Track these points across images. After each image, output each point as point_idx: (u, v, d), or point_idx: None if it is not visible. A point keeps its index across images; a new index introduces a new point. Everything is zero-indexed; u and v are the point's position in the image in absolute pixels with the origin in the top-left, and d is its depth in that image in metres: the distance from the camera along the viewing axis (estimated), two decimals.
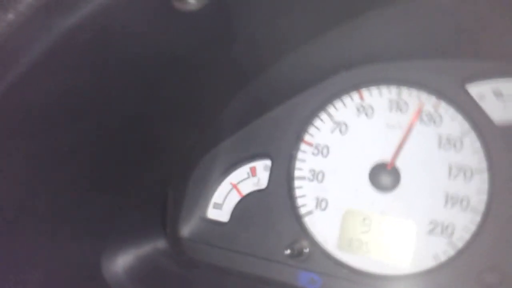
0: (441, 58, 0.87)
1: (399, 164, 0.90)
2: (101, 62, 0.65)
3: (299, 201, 0.97)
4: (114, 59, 0.66)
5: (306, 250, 0.93)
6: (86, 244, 0.86)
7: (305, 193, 0.97)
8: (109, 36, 0.61)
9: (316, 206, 0.96)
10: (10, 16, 0.53)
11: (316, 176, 0.97)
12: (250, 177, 1.04)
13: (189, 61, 0.78)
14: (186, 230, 1.05)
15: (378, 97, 0.93)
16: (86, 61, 0.63)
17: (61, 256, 0.82)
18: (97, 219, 0.86)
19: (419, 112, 0.89)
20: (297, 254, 0.92)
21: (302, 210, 0.96)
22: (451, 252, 0.83)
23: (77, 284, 0.84)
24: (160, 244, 1.01)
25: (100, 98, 0.70)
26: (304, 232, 0.95)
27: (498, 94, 0.84)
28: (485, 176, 0.83)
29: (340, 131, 0.96)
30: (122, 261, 0.92)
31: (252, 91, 0.98)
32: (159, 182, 1.01)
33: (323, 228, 0.94)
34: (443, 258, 0.84)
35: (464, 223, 0.83)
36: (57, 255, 0.81)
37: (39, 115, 0.65)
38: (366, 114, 0.94)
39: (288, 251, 0.91)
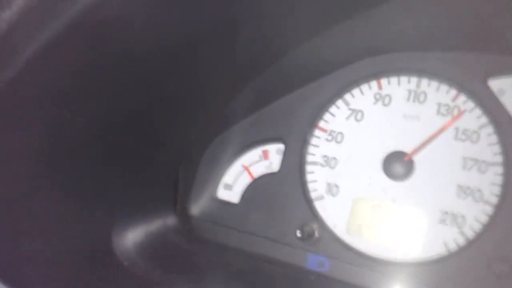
0: (464, 51, 0.87)
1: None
2: (111, 47, 0.64)
3: (311, 186, 0.97)
4: (124, 44, 0.65)
5: (316, 234, 0.93)
6: (97, 219, 0.86)
7: (316, 178, 0.97)
8: (112, 26, 0.60)
9: (327, 192, 0.96)
10: (13, 7, 0.53)
11: (329, 162, 0.97)
12: (262, 160, 1.03)
13: (202, 45, 0.77)
14: (196, 208, 1.05)
15: (396, 86, 0.93)
16: (94, 46, 0.62)
17: (73, 229, 0.81)
18: (109, 194, 0.86)
19: (457, 117, 0.88)
20: (307, 237, 0.93)
21: (313, 195, 0.97)
22: (462, 241, 0.84)
23: (88, 258, 0.83)
24: (170, 221, 1.01)
25: (112, 80, 0.70)
26: (314, 216, 0.95)
27: None
28: (499, 169, 0.83)
29: (356, 118, 0.96)
30: (132, 236, 0.91)
31: (269, 76, 0.97)
32: (171, 161, 1.00)
33: (333, 213, 0.94)
34: (453, 247, 0.85)
35: (476, 214, 0.84)
36: (68, 227, 0.80)
37: (56, 94, 0.65)
38: (383, 103, 0.94)
39: (299, 233, 0.92)
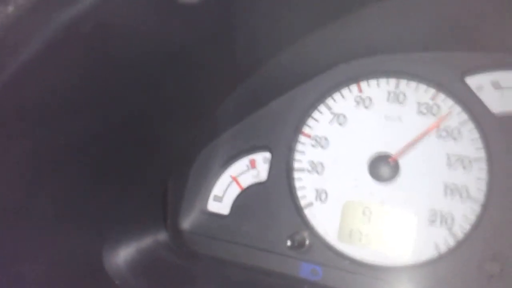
0: (440, 50, 0.87)
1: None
2: (101, 56, 0.64)
3: (299, 193, 0.97)
4: (114, 53, 0.65)
5: (307, 242, 0.93)
6: (88, 237, 0.85)
7: (304, 184, 0.97)
8: (110, 30, 0.60)
9: (316, 198, 0.95)
10: (10, 8, 0.52)
11: (316, 167, 0.96)
12: (250, 169, 1.03)
13: (188, 55, 0.77)
14: (186, 222, 1.04)
15: (376, 89, 0.93)
16: (86, 54, 0.62)
17: (63, 248, 0.81)
18: (98, 212, 0.86)
19: (439, 122, 0.88)
20: (298, 246, 0.92)
21: (302, 202, 0.96)
22: (452, 242, 0.83)
23: (78, 276, 0.83)
24: (161, 236, 1.00)
25: (99, 92, 0.69)
26: (304, 223, 0.94)
27: (496, 86, 0.84)
28: (483, 165, 0.83)
29: (339, 122, 0.96)
30: (123, 253, 0.91)
31: (251, 84, 0.97)
32: (160, 175, 1.00)
33: (323, 219, 0.94)
34: (443, 248, 0.84)
35: (464, 213, 0.83)
36: (58, 247, 0.80)
37: (39, 108, 0.64)
38: (365, 106, 0.94)
39: (289, 243, 0.91)
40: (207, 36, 0.76)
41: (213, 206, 1.05)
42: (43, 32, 0.55)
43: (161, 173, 1.00)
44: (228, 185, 1.04)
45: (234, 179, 1.04)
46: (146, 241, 0.97)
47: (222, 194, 1.05)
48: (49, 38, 0.55)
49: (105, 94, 0.71)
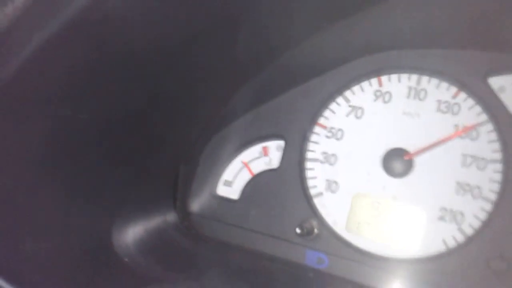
0: (464, 48, 0.87)
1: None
2: (112, 44, 0.64)
3: (310, 182, 0.97)
4: (126, 40, 0.65)
5: (316, 230, 0.93)
6: (98, 215, 0.85)
7: (316, 175, 0.97)
8: (118, 19, 0.60)
9: (327, 188, 0.95)
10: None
11: (329, 158, 0.96)
12: (262, 156, 1.03)
13: (204, 42, 0.77)
14: (195, 205, 1.04)
15: (397, 83, 0.93)
16: (95, 43, 0.62)
17: (73, 225, 0.81)
18: (109, 191, 0.85)
19: (465, 130, 0.87)
20: (306, 234, 0.92)
21: (313, 191, 0.96)
22: (460, 238, 0.84)
23: (88, 254, 0.83)
24: (170, 217, 1.00)
25: (116, 78, 0.70)
26: (313, 212, 0.95)
27: None
28: (498, 166, 0.83)
29: (356, 115, 0.95)
30: (132, 233, 0.91)
31: (269, 73, 0.97)
32: (171, 158, 1.00)
33: (332, 209, 0.94)
34: (451, 244, 0.85)
35: (475, 211, 0.84)
36: (69, 224, 0.80)
37: (60, 90, 0.64)
38: (384, 100, 0.93)
39: (298, 230, 0.91)
40: (222, 24, 0.75)
41: (223, 190, 1.05)
42: (45, 27, 0.55)
43: (173, 155, 1.00)
44: (239, 171, 1.04)
45: (246, 165, 1.04)
46: (155, 221, 0.97)
47: (233, 179, 1.04)
48: (51, 33, 0.56)
49: (118, 80, 0.71)
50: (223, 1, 0.71)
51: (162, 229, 0.98)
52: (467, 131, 0.86)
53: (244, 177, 1.03)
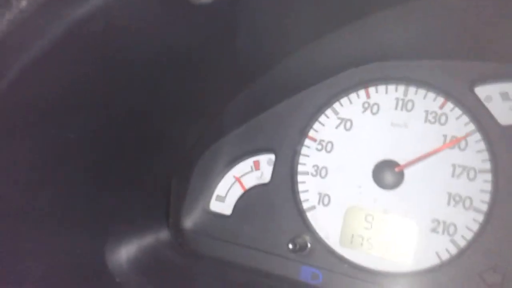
0: (450, 59, 0.86)
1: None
2: (108, 56, 0.63)
3: (302, 196, 0.96)
4: (120, 53, 0.65)
5: (309, 245, 0.92)
6: (90, 235, 0.85)
7: (308, 188, 0.96)
8: (120, 28, 0.59)
9: (319, 202, 0.95)
10: (23, 3, 0.51)
11: (320, 171, 0.96)
12: (254, 170, 1.02)
13: (195, 56, 0.77)
14: (188, 222, 1.04)
15: (384, 95, 0.92)
16: (95, 52, 0.61)
17: (65, 246, 0.80)
18: (101, 210, 0.85)
19: (454, 143, 0.86)
20: (299, 249, 0.91)
21: (305, 205, 0.95)
22: (453, 251, 0.83)
23: (81, 274, 0.83)
24: (163, 235, 1.00)
25: (106, 90, 0.69)
26: (306, 227, 0.94)
27: (505, 97, 0.83)
28: (488, 176, 0.82)
29: (345, 127, 0.95)
30: (125, 252, 0.91)
31: (258, 86, 0.96)
32: (163, 174, 0.99)
33: (325, 223, 0.93)
34: (444, 257, 0.83)
35: (467, 223, 0.83)
36: (60, 245, 0.80)
37: (45, 106, 0.63)
38: (372, 112, 0.93)
39: (290, 246, 0.90)
40: (214, 38, 0.75)
41: (215, 206, 1.04)
42: (52, 30, 0.54)
43: (164, 172, 0.99)
44: (231, 186, 1.04)
45: (238, 179, 1.03)
46: (148, 240, 0.96)
47: (225, 194, 1.04)
48: (59, 36, 0.55)
49: (111, 93, 0.70)
50: (217, 17, 0.71)
51: (155, 247, 0.97)
52: (456, 143, 0.85)
53: (236, 192, 1.03)
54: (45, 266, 0.77)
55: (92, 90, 0.67)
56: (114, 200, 0.87)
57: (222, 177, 1.05)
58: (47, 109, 0.64)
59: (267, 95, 1.01)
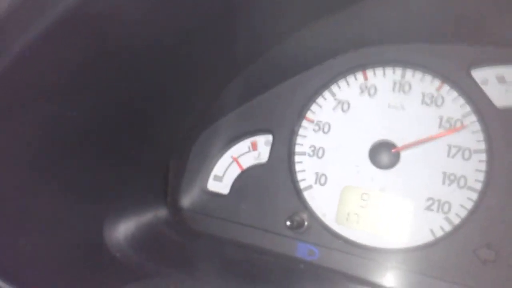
0: (447, 42, 0.86)
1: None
2: (105, 39, 0.62)
3: (299, 176, 0.95)
4: (119, 36, 0.63)
5: (306, 223, 0.91)
6: (89, 211, 0.83)
7: (304, 168, 0.95)
8: (108, 17, 0.59)
9: (316, 181, 0.94)
10: None
11: (317, 152, 0.95)
12: (251, 151, 1.01)
13: (193, 38, 0.75)
14: (186, 200, 1.02)
15: (381, 77, 0.92)
16: (97, 33, 0.60)
17: (65, 221, 0.79)
18: (101, 187, 0.83)
19: (453, 131, 0.86)
20: (297, 226, 0.91)
21: (302, 185, 0.95)
22: (447, 228, 0.83)
23: (79, 249, 0.81)
24: (161, 213, 0.98)
25: (104, 74, 0.68)
26: (303, 205, 0.93)
27: (501, 80, 0.83)
28: (483, 156, 0.83)
29: (342, 109, 0.94)
30: (123, 228, 0.89)
31: (257, 68, 0.95)
32: (162, 154, 0.98)
33: (322, 202, 0.93)
34: (439, 234, 0.84)
35: (461, 201, 0.83)
36: (60, 221, 0.78)
37: (47, 87, 0.63)
38: (369, 94, 0.92)
39: (288, 223, 0.90)
40: (212, 20, 0.74)
41: (213, 185, 1.03)
42: (35, 24, 0.54)
43: (163, 152, 0.98)
44: (229, 166, 1.02)
45: (235, 159, 1.02)
46: (146, 217, 0.95)
47: (223, 174, 1.03)
48: (41, 30, 0.54)
49: (110, 76, 0.69)
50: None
51: (153, 224, 0.95)
52: (455, 131, 0.85)
53: (234, 172, 1.01)
54: (46, 243, 0.75)
55: (94, 72, 0.66)
56: (114, 178, 0.86)
57: (220, 157, 1.03)
58: (50, 88, 0.63)
59: (266, 77, 0.99)
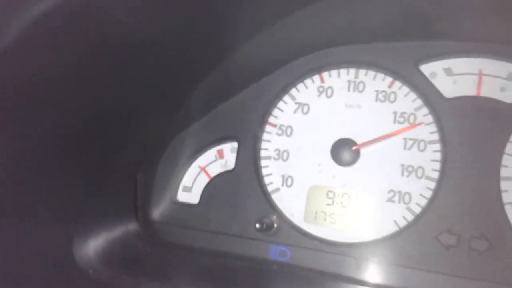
0: (395, 40, 0.89)
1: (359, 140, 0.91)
2: (73, 45, 0.62)
3: (266, 180, 0.96)
4: (93, 40, 0.63)
5: (275, 225, 0.92)
6: (57, 229, 0.82)
7: (271, 171, 0.96)
8: (92, 16, 0.58)
9: (283, 183, 0.95)
10: None
11: (281, 155, 0.96)
12: (218, 159, 1.02)
13: (154, 46, 0.75)
14: (157, 213, 1.01)
15: (337, 78, 0.94)
16: (62, 42, 0.60)
17: (33, 240, 0.77)
18: (68, 204, 0.82)
19: (410, 128, 0.88)
20: (266, 228, 0.91)
21: (269, 188, 0.96)
22: (410, 217, 0.85)
23: (49, 268, 0.79)
24: (132, 227, 0.97)
25: (68, 85, 0.67)
26: (272, 208, 0.94)
27: (449, 72, 0.86)
28: (437, 147, 0.86)
29: (303, 111, 0.96)
30: (93, 245, 0.88)
31: (217, 77, 0.96)
32: (129, 167, 0.97)
33: (290, 203, 0.94)
34: (402, 223, 0.86)
35: (420, 191, 0.86)
36: (28, 239, 0.76)
37: (13, 97, 0.61)
38: (327, 95, 0.94)
39: (257, 225, 0.90)
40: (174, 27, 0.74)
41: (182, 196, 1.03)
42: (23, 16, 0.53)
43: (130, 164, 0.97)
44: (197, 175, 1.02)
45: (203, 169, 1.02)
46: (116, 232, 0.94)
47: (191, 184, 1.02)
48: (27, 24, 0.54)
49: (75, 84, 0.68)
50: (173, 9, 0.70)
51: (124, 238, 0.94)
52: (412, 128, 0.88)
53: (202, 181, 1.01)
54: (12, 260, 0.73)
55: (56, 85, 0.65)
56: (80, 194, 0.84)
57: (188, 168, 1.03)
58: (13, 97, 0.62)
59: (227, 85, 1.00)
